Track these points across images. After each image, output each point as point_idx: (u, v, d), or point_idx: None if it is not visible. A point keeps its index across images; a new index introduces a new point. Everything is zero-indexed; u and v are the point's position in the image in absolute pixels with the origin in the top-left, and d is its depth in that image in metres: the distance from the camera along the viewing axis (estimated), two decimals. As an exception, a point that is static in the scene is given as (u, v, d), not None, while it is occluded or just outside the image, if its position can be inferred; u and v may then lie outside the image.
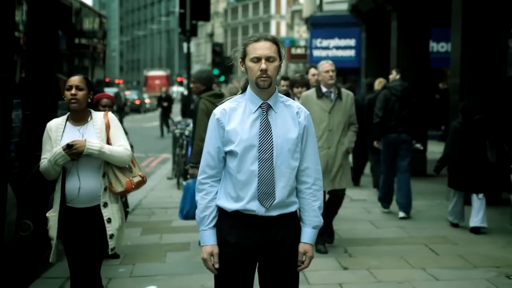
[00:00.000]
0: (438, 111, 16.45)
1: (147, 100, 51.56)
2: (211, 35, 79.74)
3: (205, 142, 3.47)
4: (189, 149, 12.32)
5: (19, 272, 6.89)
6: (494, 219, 8.93)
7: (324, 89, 7.27)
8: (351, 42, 21.92)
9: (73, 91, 4.43)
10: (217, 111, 3.42)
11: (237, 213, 3.36)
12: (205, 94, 7.26)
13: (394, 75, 9.61)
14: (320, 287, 6.14)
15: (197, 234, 3.48)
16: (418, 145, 9.44)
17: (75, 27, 9.04)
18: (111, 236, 4.41)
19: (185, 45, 20.74)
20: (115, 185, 4.46)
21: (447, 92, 13.88)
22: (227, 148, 3.37)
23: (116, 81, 51.13)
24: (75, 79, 4.48)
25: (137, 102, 48.18)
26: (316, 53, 22.38)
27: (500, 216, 8.95)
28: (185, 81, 30.83)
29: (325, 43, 22.31)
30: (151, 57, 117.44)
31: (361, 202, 10.40)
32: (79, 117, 4.50)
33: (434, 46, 17.50)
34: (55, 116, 7.86)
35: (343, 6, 21.08)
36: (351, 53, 21.93)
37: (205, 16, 19.29)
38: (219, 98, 7.18)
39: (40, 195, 7.47)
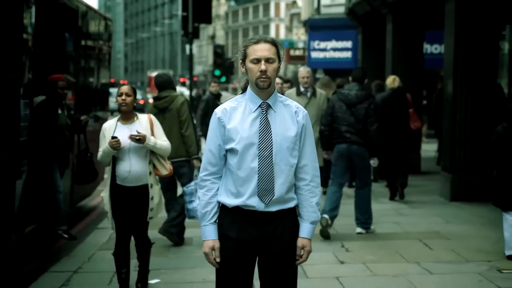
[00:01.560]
0: (437, 111, 16.41)
1: (150, 100, 51.47)
2: (213, 37, 79.59)
3: (206, 141, 3.48)
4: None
5: (27, 266, 6.89)
6: (486, 215, 8.94)
7: (302, 89, 9.24)
8: (348, 44, 21.90)
9: (123, 97, 5.47)
10: (218, 110, 3.42)
11: (237, 208, 3.36)
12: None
13: (350, 80, 8.51)
14: (318, 280, 6.14)
15: (199, 229, 3.48)
16: (371, 161, 7.83)
17: (81, 29, 9.03)
18: (151, 209, 5.56)
19: (187, 47, 20.78)
20: (161, 170, 5.65)
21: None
22: (228, 146, 3.37)
23: (121, 81, 51.14)
24: (124, 88, 5.53)
25: (141, 102, 48.10)
26: (314, 54, 22.38)
27: (491, 212, 8.95)
28: (187, 82, 30.78)
29: (322, 45, 22.30)
30: (155, 58, 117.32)
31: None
32: (127, 117, 5.56)
33: (428, 48, 17.49)
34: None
35: (340, 9, 21.07)
36: (347, 54, 21.90)
37: (207, 19, 19.28)
38: (157, 100, 7.43)
39: (44, 193, 7.47)
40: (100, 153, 5.55)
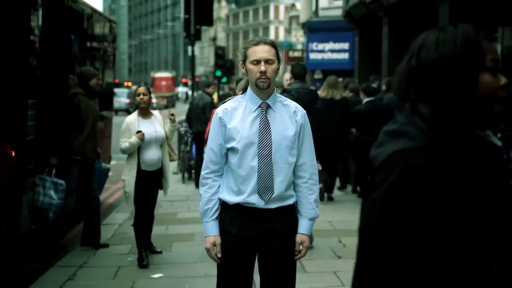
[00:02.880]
0: None
1: (154, 100, 51.58)
2: (214, 39, 79.51)
3: (208, 140, 3.48)
4: (193, 145, 12.33)
5: (34, 261, 6.89)
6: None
7: None
8: (345, 45, 21.88)
9: (141, 96, 6.41)
10: (220, 110, 3.42)
11: (238, 205, 3.36)
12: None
13: (287, 78, 7.90)
14: (316, 275, 6.14)
15: (201, 225, 3.47)
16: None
17: (86, 31, 9.03)
18: (166, 187, 6.67)
19: (189, 48, 20.77)
20: (173, 155, 6.84)
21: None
22: (229, 145, 3.37)
23: (125, 83, 51.05)
24: (141, 89, 6.52)
25: (127, 101, 47.79)
26: (312, 56, 22.37)
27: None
28: (189, 82, 30.77)
29: (320, 46, 22.29)
30: (158, 59, 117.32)
31: (355, 195, 10.40)
32: (146, 113, 6.51)
33: (423, 49, 17.48)
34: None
35: (338, 12, 21.06)
36: (345, 56, 21.90)
37: (208, 21, 19.32)
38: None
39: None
40: (126, 144, 6.32)
